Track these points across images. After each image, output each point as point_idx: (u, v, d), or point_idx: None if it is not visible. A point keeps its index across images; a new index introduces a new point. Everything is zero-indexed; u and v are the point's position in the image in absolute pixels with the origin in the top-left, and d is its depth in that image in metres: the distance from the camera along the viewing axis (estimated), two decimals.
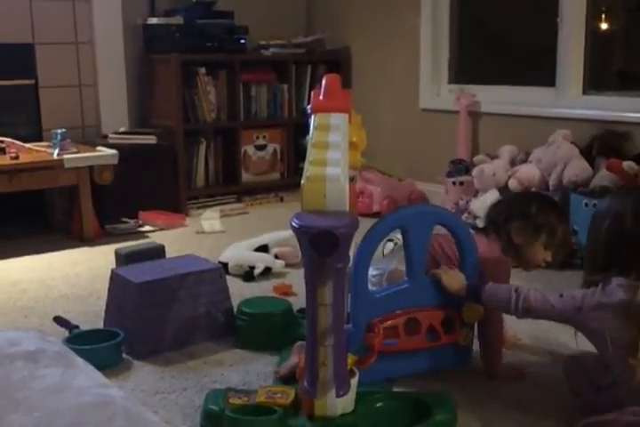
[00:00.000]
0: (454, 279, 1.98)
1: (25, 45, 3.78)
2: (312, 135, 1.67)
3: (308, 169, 1.55)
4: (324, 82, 1.80)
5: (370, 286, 2.01)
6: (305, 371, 1.73)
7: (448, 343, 2.02)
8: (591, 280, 1.80)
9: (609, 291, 1.73)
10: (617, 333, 1.72)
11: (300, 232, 1.53)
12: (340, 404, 1.72)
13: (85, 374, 1.33)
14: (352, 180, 4.27)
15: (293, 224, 1.54)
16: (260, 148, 4.42)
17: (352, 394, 1.76)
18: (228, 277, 2.68)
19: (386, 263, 2.12)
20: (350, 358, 1.78)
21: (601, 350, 1.81)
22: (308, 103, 1.82)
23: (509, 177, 3.51)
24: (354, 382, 1.77)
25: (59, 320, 2.43)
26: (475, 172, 3.65)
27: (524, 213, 2.08)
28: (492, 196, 3.50)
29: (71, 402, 1.20)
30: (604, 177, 3.10)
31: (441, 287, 1.98)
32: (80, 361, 1.41)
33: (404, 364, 2.00)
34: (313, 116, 1.73)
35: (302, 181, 1.55)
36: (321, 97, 1.76)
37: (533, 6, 3.98)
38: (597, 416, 1.73)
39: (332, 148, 1.61)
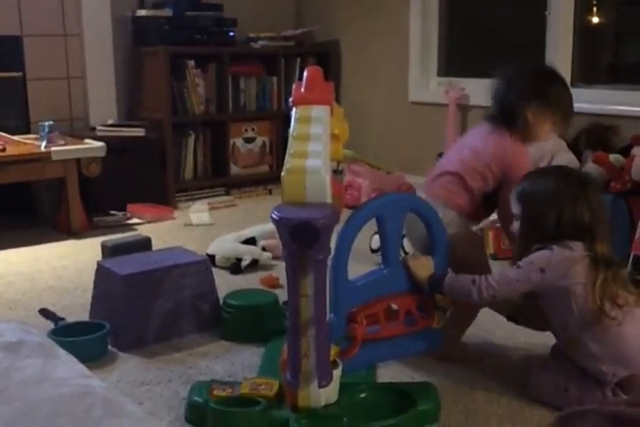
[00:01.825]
0: (422, 268, 1.98)
1: (12, 38, 3.76)
2: (293, 127, 1.67)
3: (289, 161, 1.56)
4: (305, 74, 1.80)
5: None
6: (288, 362, 1.74)
7: (424, 327, 2.04)
8: (540, 247, 1.86)
9: (567, 248, 1.83)
10: (582, 291, 1.80)
11: (280, 224, 1.54)
12: (323, 395, 1.73)
13: (66, 365, 1.34)
14: (341, 172, 4.26)
15: (273, 216, 1.54)
16: (249, 140, 4.42)
17: (335, 385, 1.77)
18: (216, 270, 2.69)
19: None
20: (333, 349, 1.79)
21: (565, 315, 1.84)
22: None
23: None
24: (337, 372, 1.78)
25: (44, 313, 2.43)
26: None
27: (540, 91, 2.09)
28: None
29: (51, 393, 1.20)
30: (590, 170, 3.10)
31: (409, 275, 1.98)
32: (61, 352, 1.41)
33: (382, 351, 2.00)
34: (295, 109, 1.73)
35: (282, 173, 1.56)
36: (302, 89, 1.77)
37: (522, 0, 3.98)
38: (579, 406, 1.75)
39: (314, 140, 1.61)
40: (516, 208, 1.95)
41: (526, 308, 2.00)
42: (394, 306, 1.97)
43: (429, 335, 2.05)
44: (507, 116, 2.10)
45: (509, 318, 2.12)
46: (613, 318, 1.78)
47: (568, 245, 1.84)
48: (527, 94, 2.09)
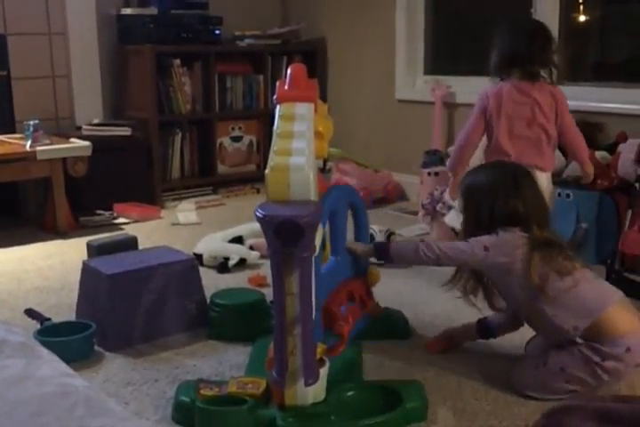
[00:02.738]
0: (357, 245, 2.16)
1: None
2: (277, 125, 1.67)
3: (273, 159, 1.56)
4: (289, 71, 1.79)
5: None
6: (274, 361, 1.74)
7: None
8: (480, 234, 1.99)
9: (510, 233, 1.95)
10: (520, 267, 1.91)
11: (265, 222, 1.53)
12: (310, 393, 1.73)
13: (49, 365, 1.33)
14: (329, 171, 4.25)
15: (257, 214, 1.54)
16: (236, 139, 4.41)
17: (322, 383, 1.77)
18: (203, 269, 2.68)
19: None
20: (320, 347, 1.79)
21: (513, 292, 1.97)
22: None
23: None
24: (324, 370, 1.77)
25: (30, 313, 2.41)
26: None
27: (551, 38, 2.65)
28: None
29: (33, 392, 1.19)
30: (576, 167, 3.11)
31: (351, 253, 2.11)
32: (44, 352, 1.40)
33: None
34: (278, 106, 1.73)
35: (266, 171, 1.56)
36: (286, 87, 1.76)
37: None
38: (565, 402, 1.76)
39: (297, 137, 1.61)
40: (459, 202, 2.10)
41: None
42: (350, 291, 2.07)
43: (366, 317, 2.17)
44: (537, 68, 2.59)
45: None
46: (552, 297, 1.88)
47: (511, 230, 1.95)
48: (553, 43, 2.63)
